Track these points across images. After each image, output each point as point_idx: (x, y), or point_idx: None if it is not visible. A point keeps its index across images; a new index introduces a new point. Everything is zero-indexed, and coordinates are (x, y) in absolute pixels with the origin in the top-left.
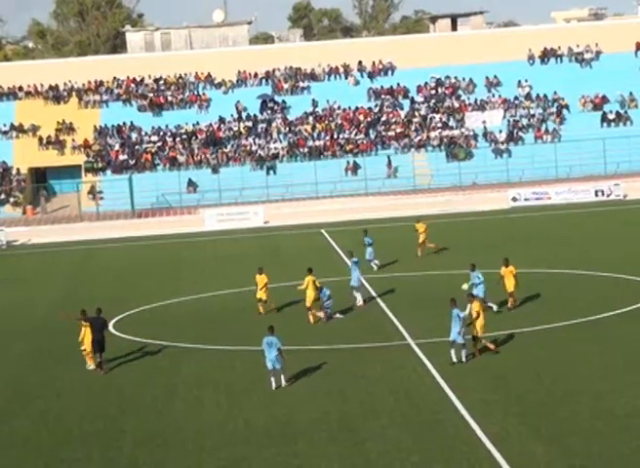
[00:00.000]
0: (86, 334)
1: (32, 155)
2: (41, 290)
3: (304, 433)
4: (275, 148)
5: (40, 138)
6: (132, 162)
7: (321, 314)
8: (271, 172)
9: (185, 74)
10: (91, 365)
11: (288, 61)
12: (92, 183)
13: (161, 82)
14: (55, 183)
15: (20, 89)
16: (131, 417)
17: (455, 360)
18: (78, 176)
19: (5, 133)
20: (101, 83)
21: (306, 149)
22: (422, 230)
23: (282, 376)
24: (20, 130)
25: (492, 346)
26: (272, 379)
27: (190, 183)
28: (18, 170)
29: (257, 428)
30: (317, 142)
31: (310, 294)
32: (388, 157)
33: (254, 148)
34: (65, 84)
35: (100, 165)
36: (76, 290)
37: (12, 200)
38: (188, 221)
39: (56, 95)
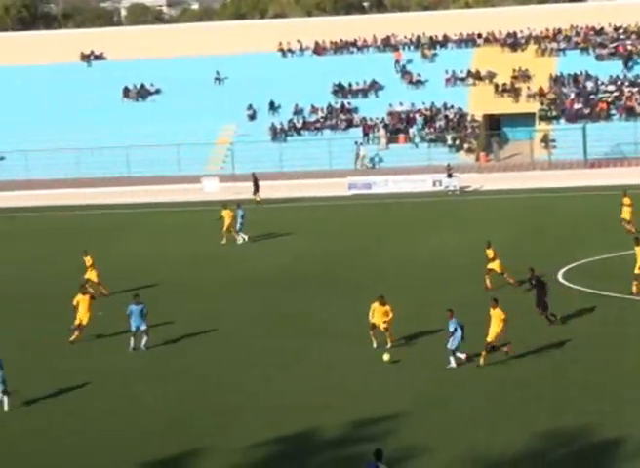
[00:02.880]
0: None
1: (487, 102)
2: (488, 233)
3: None
4: None
5: (496, 86)
6: (586, 111)
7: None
8: None
9: None
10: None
11: None
12: (545, 132)
13: (620, 31)
14: (508, 131)
15: (479, 36)
16: None
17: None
18: (531, 124)
19: (462, 79)
20: (559, 31)
21: None
22: (228, 216)
23: None
24: (476, 77)
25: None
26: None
27: None
28: (472, 116)
29: None
30: None
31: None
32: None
33: None
34: (523, 31)
35: (553, 113)
36: (522, 236)
37: (466, 146)
38: None
39: (513, 42)
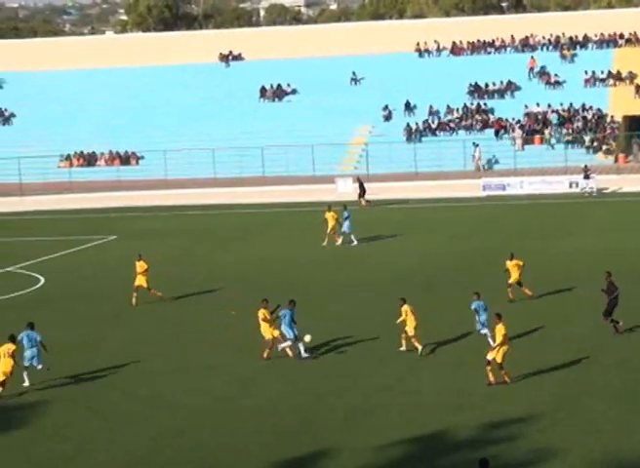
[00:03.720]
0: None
1: (628, 103)
2: (626, 236)
3: None
4: None
5: (637, 86)
6: None
7: None
8: None
9: None
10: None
11: None
12: None
13: None
14: None
15: (621, 36)
16: None
17: None
18: None
19: (602, 80)
20: None
21: None
22: (332, 219)
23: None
24: (617, 77)
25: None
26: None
27: None
28: (612, 117)
29: None
30: None
31: None
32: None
33: None
34: None
35: None
36: None
37: (604, 148)
38: None
39: None
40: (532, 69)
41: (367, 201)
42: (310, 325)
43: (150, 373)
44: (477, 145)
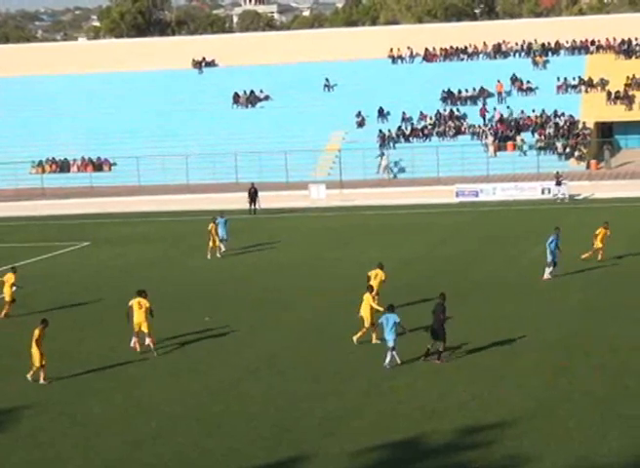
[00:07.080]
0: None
1: (600, 109)
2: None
3: None
4: None
5: (608, 93)
6: None
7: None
8: None
9: None
10: None
11: None
12: None
13: None
14: (620, 138)
15: (592, 43)
16: None
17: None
18: None
19: (574, 87)
20: None
21: None
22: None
23: None
24: (589, 84)
25: None
26: None
27: None
28: (584, 124)
29: None
30: None
31: None
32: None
33: None
34: (638, 38)
35: None
36: (632, 245)
37: (576, 154)
38: None
39: (627, 49)
40: (500, 93)
41: (254, 210)
42: (287, 331)
43: (126, 379)
44: (383, 154)
